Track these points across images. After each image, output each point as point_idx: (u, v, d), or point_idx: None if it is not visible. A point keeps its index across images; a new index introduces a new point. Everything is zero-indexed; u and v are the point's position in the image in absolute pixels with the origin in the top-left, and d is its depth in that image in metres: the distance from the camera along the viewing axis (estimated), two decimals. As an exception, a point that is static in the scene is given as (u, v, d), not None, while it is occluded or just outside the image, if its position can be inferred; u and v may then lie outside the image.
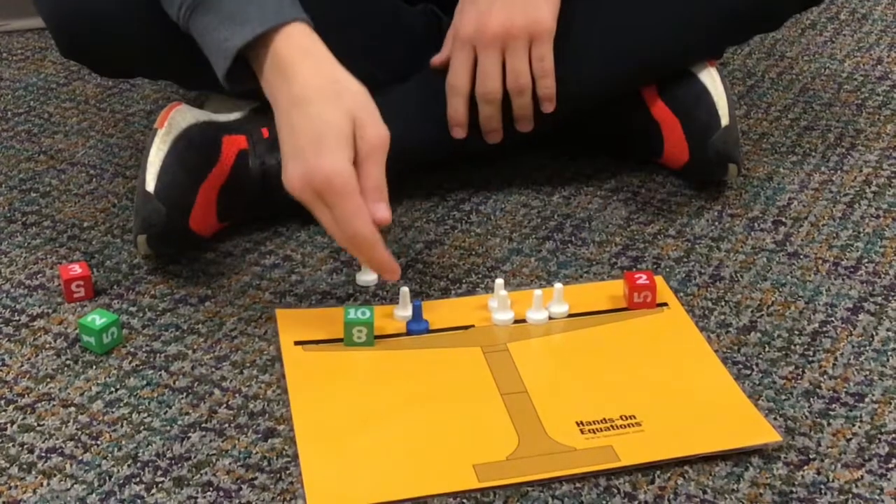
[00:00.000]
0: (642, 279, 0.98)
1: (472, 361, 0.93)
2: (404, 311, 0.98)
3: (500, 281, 0.98)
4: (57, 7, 1.03)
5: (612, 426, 0.86)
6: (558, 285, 0.98)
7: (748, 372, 0.92)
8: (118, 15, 1.02)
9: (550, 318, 0.98)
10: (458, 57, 1.07)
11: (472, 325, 0.97)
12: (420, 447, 0.84)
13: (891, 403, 0.89)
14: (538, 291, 0.97)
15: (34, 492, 0.81)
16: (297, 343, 0.95)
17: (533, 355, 0.94)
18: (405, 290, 0.98)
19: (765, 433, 0.85)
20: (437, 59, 1.12)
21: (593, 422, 0.86)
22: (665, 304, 1.00)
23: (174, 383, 0.91)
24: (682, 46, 1.13)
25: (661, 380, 0.91)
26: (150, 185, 1.00)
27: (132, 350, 0.95)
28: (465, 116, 1.09)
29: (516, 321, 0.97)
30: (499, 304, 0.97)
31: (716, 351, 0.94)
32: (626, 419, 0.86)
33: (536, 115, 1.11)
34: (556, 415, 0.87)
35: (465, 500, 0.80)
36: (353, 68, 1.12)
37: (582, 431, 0.85)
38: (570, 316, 0.98)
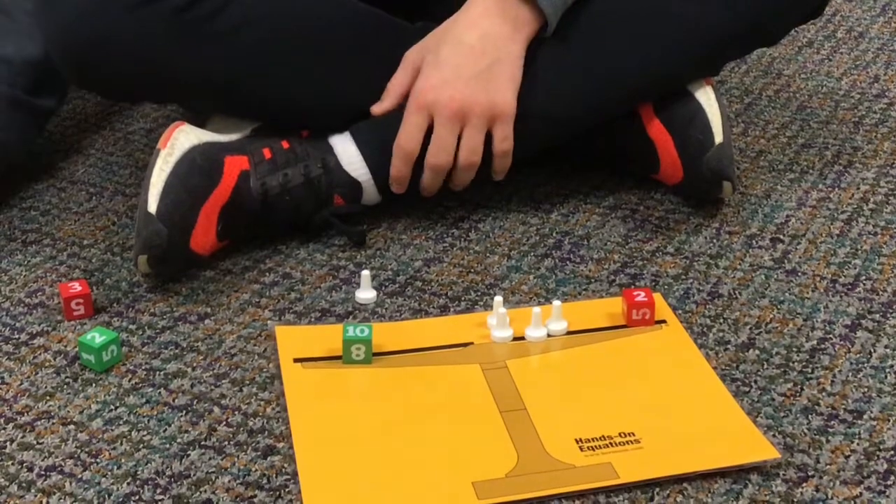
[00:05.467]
0: (641, 296, 0.99)
1: (471, 379, 0.93)
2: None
3: (498, 298, 0.98)
4: (63, 37, 1.04)
5: (611, 443, 0.86)
6: (557, 303, 0.98)
7: (747, 389, 0.92)
8: (127, 41, 1.03)
9: (549, 335, 0.98)
10: (413, 121, 1.06)
11: (471, 343, 0.97)
12: (419, 464, 0.84)
13: (889, 420, 0.89)
14: (537, 309, 0.98)
15: (33, 510, 0.81)
16: (296, 360, 0.95)
17: (532, 373, 0.94)
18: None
19: (763, 450, 0.85)
20: (378, 109, 1.10)
21: (592, 439, 0.86)
22: (664, 322, 1.00)
23: (174, 401, 0.92)
24: (679, 67, 1.13)
25: (660, 397, 0.91)
26: (152, 206, 1.00)
27: (132, 368, 0.95)
28: (408, 177, 1.08)
29: (515, 338, 0.98)
30: (498, 321, 0.98)
31: (714, 368, 0.94)
32: (625, 436, 0.86)
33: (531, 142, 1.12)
34: (555, 432, 0.87)
35: (464, 518, 0.80)
36: (354, 86, 1.13)
37: (581, 449, 0.85)
38: (569, 333, 0.98)
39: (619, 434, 0.86)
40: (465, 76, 1.04)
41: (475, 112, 1.04)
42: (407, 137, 1.06)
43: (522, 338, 0.98)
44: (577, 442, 0.86)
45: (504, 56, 1.05)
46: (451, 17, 1.07)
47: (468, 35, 1.05)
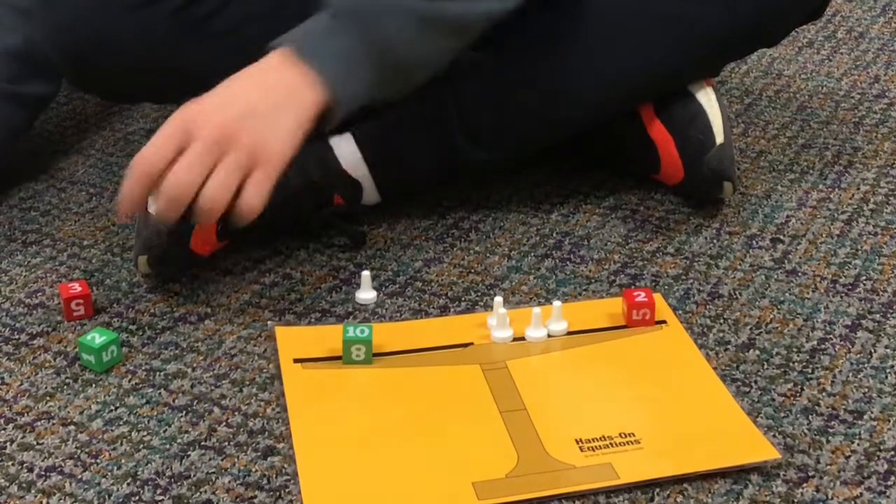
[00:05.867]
0: (641, 297, 0.99)
1: (472, 379, 0.93)
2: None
3: (499, 299, 0.98)
4: (62, 39, 1.04)
5: (611, 444, 0.86)
6: (557, 303, 0.98)
7: (747, 389, 0.92)
8: (126, 41, 1.03)
9: (549, 335, 0.98)
10: (165, 134, 0.88)
11: (472, 343, 0.97)
12: (419, 465, 0.84)
13: (889, 420, 0.89)
14: (537, 309, 0.98)
15: (33, 510, 0.81)
16: (296, 361, 0.95)
17: (532, 373, 0.94)
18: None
19: (764, 450, 0.85)
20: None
21: (592, 439, 0.86)
22: (664, 322, 1.00)
23: (174, 401, 0.91)
24: (679, 68, 1.13)
25: (660, 397, 0.91)
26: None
27: (132, 368, 0.95)
28: (136, 201, 0.89)
29: (515, 339, 0.98)
30: (498, 321, 0.97)
31: (714, 368, 0.94)
32: (626, 437, 0.86)
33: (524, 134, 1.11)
34: (555, 432, 0.87)
35: (464, 518, 0.80)
36: None
37: (581, 449, 0.85)
38: (569, 333, 0.98)
39: (620, 434, 0.86)
40: (238, 110, 0.88)
41: (238, 148, 0.87)
42: (148, 150, 0.88)
43: (523, 338, 0.98)
44: (577, 442, 0.86)
45: (295, 106, 0.90)
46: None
47: (244, 82, 0.91)
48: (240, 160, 0.88)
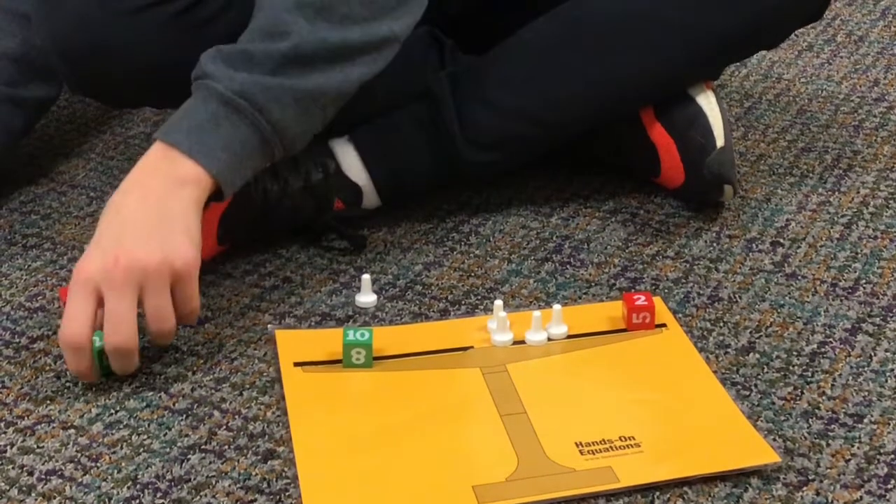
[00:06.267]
0: (641, 300, 0.99)
1: (472, 383, 0.93)
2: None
3: (499, 302, 0.98)
4: (62, 46, 1.03)
5: (611, 447, 0.86)
6: (557, 307, 0.98)
7: (747, 393, 0.92)
8: (125, 47, 1.03)
9: (549, 339, 0.98)
10: (76, 302, 0.87)
11: (472, 347, 0.97)
12: (420, 468, 0.84)
13: (889, 424, 0.89)
14: (537, 313, 0.98)
15: (34, 514, 0.81)
16: (296, 364, 0.95)
17: (532, 376, 0.94)
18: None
19: (764, 454, 0.85)
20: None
21: (592, 443, 0.86)
22: (664, 325, 1.00)
23: (174, 405, 0.92)
24: (679, 71, 1.13)
25: (660, 401, 0.91)
26: None
27: (132, 372, 0.95)
28: (91, 368, 0.90)
29: (515, 342, 0.98)
30: (498, 325, 0.98)
31: (714, 372, 0.94)
32: (626, 440, 0.86)
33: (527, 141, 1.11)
34: (555, 436, 0.87)
35: (464, 522, 0.80)
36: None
37: (581, 452, 0.85)
38: (569, 337, 0.98)
39: (620, 438, 0.86)
40: (130, 240, 0.88)
41: (150, 273, 0.87)
42: (70, 326, 0.87)
43: (523, 341, 0.98)
44: (577, 446, 0.86)
45: (172, 212, 0.90)
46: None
47: (125, 201, 0.90)
48: (159, 284, 0.88)
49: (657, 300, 1.02)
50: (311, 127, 0.98)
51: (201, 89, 0.93)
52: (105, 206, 0.92)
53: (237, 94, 0.92)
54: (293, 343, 0.97)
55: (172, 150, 0.91)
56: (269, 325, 1.01)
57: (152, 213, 0.89)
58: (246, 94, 0.92)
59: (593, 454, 0.85)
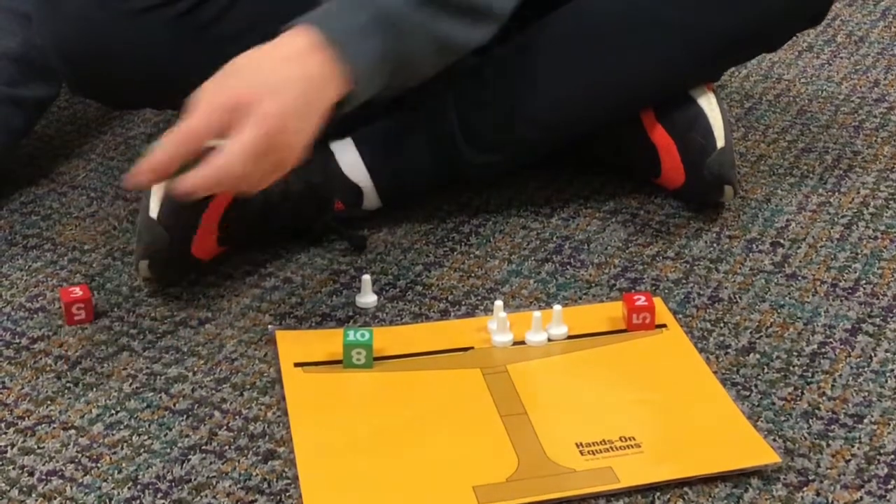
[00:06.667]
0: (641, 301, 0.99)
1: (472, 383, 0.93)
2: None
3: (499, 303, 0.98)
4: (64, 47, 1.04)
5: (611, 447, 0.86)
6: (557, 307, 0.98)
7: (747, 393, 0.92)
8: (127, 49, 1.03)
9: (549, 339, 0.98)
10: (213, 107, 0.87)
11: (472, 347, 0.97)
12: (420, 469, 0.84)
13: (889, 424, 0.89)
14: (537, 313, 0.98)
15: (34, 514, 0.81)
16: (296, 364, 0.95)
17: (532, 377, 0.94)
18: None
19: (764, 454, 0.85)
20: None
21: (593, 443, 0.86)
22: (664, 326, 1.00)
23: (174, 406, 0.92)
24: (679, 73, 1.13)
25: (661, 401, 0.91)
26: (154, 211, 1.00)
27: (132, 372, 0.95)
28: (170, 171, 0.87)
29: (515, 343, 0.98)
30: (498, 325, 0.98)
31: (715, 372, 0.94)
32: (626, 440, 0.86)
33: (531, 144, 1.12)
34: (555, 436, 0.87)
35: (464, 522, 0.80)
36: None
37: (581, 453, 0.85)
38: (570, 338, 0.98)
39: (620, 438, 0.86)
40: (285, 103, 0.87)
41: (278, 149, 0.88)
42: (197, 121, 0.87)
43: (523, 342, 0.98)
44: (577, 446, 0.86)
45: (321, 99, 0.90)
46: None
47: (294, 60, 0.90)
48: (273, 163, 0.88)
49: (657, 301, 1.02)
50: (425, 74, 0.99)
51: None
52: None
53: (390, 18, 0.92)
54: (293, 343, 0.97)
55: (321, 44, 0.89)
56: (269, 326, 1.01)
57: (304, 98, 0.88)
58: (397, 21, 0.92)
59: (594, 455, 0.85)
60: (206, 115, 0.87)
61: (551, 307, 0.99)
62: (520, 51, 1.13)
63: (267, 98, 0.87)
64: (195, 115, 0.87)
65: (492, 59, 1.14)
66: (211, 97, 0.88)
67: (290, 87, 0.88)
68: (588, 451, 0.85)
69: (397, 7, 0.93)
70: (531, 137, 1.13)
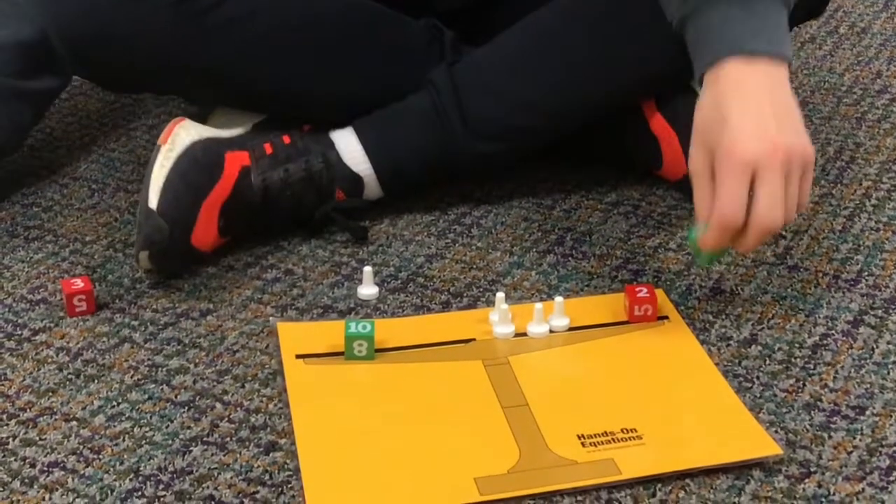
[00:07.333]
0: (643, 292, 0.99)
1: (473, 375, 0.93)
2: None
3: (500, 294, 0.98)
4: (64, 30, 1.04)
5: (613, 439, 0.86)
6: (559, 299, 0.98)
7: (749, 385, 0.92)
8: (128, 33, 1.03)
9: (551, 331, 0.98)
10: (734, 184, 0.90)
11: (473, 339, 0.97)
12: (421, 460, 0.84)
13: (892, 416, 0.89)
14: (539, 305, 0.98)
15: (36, 506, 0.81)
16: (298, 356, 0.95)
17: (534, 369, 0.94)
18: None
19: (765, 446, 0.85)
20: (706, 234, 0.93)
21: (594, 435, 0.86)
22: (666, 318, 1.00)
23: (176, 397, 0.92)
24: (681, 63, 1.13)
25: (662, 393, 0.91)
26: (153, 202, 1.00)
27: (134, 364, 0.95)
28: (724, 245, 0.93)
29: (517, 335, 0.98)
30: (500, 317, 0.98)
31: (716, 364, 0.94)
32: (627, 432, 0.86)
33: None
34: (557, 428, 0.87)
35: (466, 514, 0.80)
36: (354, 80, 1.13)
37: (583, 444, 0.85)
38: (571, 329, 0.98)
39: (622, 430, 0.86)
40: (772, 125, 0.91)
41: (795, 160, 0.90)
42: (732, 203, 0.90)
43: (524, 334, 0.98)
44: (579, 438, 0.86)
45: (787, 100, 0.93)
46: (702, 94, 0.95)
47: (743, 92, 0.92)
48: (798, 172, 0.91)
49: (659, 292, 1.02)
50: None
51: (721, 2, 0.93)
52: (705, 108, 0.94)
53: None
54: (295, 335, 0.97)
55: (749, 58, 0.92)
56: (270, 318, 1.01)
57: (774, 104, 0.91)
58: None
59: (595, 446, 0.85)
60: (733, 190, 0.90)
61: (553, 299, 0.99)
62: (521, 39, 1.13)
63: (727, 107, 0.91)
64: (723, 194, 0.90)
65: (492, 48, 1.14)
66: (728, 170, 0.90)
67: (770, 114, 0.91)
68: (590, 443, 0.85)
69: None
70: (532, 126, 1.13)
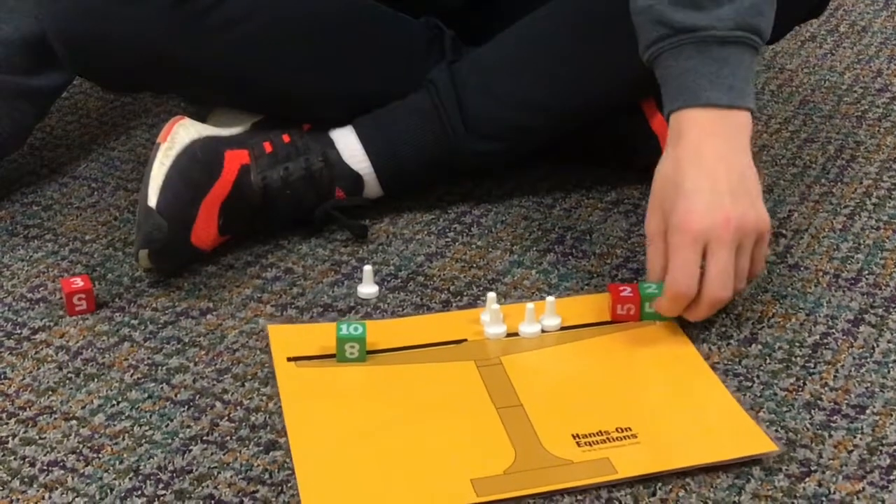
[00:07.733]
0: (626, 292, 0.98)
1: (466, 376, 0.93)
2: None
3: (492, 294, 0.98)
4: (63, 30, 1.04)
5: (608, 438, 0.86)
6: (550, 298, 0.98)
7: (749, 384, 0.92)
8: (126, 33, 1.03)
9: (543, 331, 0.98)
10: (686, 255, 0.91)
11: (465, 339, 0.97)
12: (417, 463, 0.84)
13: (892, 415, 0.89)
14: (530, 305, 0.97)
15: (35, 505, 0.81)
16: (289, 359, 0.94)
17: (527, 368, 0.94)
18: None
19: (761, 443, 0.85)
20: (654, 275, 0.96)
21: (589, 434, 0.86)
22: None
23: (175, 396, 0.92)
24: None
25: (656, 392, 0.91)
26: (153, 200, 1.00)
27: (133, 363, 0.95)
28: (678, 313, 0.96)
29: (509, 335, 0.97)
30: (491, 317, 0.97)
31: (717, 363, 0.94)
32: (622, 431, 0.86)
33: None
34: (552, 428, 0.87)
35: (465, 513, 0.80)
36: (354, 80, 1.13)
37: (578, 444, 0.85)
38: (563, 329, 0.98)
39: (616, 429, 0.86)
40: (726, 197, 0.92)
41: (748, 231, 0.92)
42: (684, 276, 0.92)
43: (516, 334, 0.97)
44: (574, 437, 0.86)
45: (744, 169, 0.94)
46: (665, 153, 0.96)
47: (701, 159, 0.93)
48: (750, 243, 0.93)
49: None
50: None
51: (687, 45, 0.94)
52: (665, 168, 0.95)
53: (737, 29, 0.94)
54: (286, 338, 0.97)
55: (710, 110, 0.94)
56: (260, 320, 1.00)
57: (732, 171, 0.93)
58: (742, 26, 0.94)
59: (591, 446, 0.85)
60: (683, 262, 0.92)
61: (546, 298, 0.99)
62: (520, 38, 1.13)
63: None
64: (674, 267, 0.92)
65: (492, 47, 1.14)
66: (678, 245, 0.92)
67: (722, 184, 0.93)
68: (585, 443, 0.85)
69: (738, 15, 0.94)
70: (532, 125, 1.13)
